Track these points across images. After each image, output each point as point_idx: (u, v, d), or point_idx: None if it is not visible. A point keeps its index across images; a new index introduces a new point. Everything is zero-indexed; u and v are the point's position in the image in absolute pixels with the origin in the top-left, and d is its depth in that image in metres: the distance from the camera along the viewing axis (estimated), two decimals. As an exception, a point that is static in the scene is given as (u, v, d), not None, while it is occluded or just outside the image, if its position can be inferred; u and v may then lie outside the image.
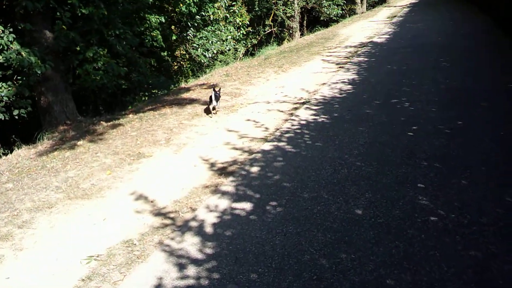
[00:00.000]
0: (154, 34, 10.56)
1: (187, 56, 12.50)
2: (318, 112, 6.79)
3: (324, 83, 8.78)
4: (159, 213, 4.00)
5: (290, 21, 20.92)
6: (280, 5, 20.47)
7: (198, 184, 4.54)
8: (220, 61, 18.61)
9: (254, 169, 4.78)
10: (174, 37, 11.34)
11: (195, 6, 11.34)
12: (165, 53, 10.99)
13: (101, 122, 7.33)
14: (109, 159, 5.48)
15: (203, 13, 12.48)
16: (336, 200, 3.89)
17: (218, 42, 13.01)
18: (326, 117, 6.49)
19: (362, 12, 28.64)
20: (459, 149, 4.76)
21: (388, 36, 14.82)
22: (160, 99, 8.76)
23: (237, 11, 14.24)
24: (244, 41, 21.07)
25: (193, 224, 3.72)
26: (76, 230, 3.82)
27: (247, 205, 3.95)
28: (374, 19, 21.98)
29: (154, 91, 10.35)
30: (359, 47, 13.12)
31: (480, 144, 4.85)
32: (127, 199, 4.36)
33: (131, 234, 3.67)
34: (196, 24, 12.08)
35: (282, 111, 7.12)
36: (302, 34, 22.43)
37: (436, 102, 6.60)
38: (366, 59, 10.96)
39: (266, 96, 8.23)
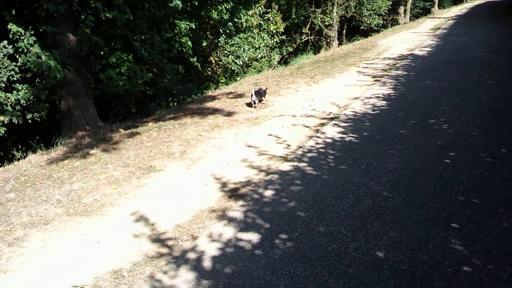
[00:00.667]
0: (184, 40, 10.33)
1: (220, 63, 12.23)
2: (347, 130, 6.27)
3: (356, 98, 8.24)
4: (157, 239, 3.63)
5: (328, 29, 20.37)
6: (318, 13, 19.96)
7: (205, 207, 4.15)
8: (254, 68, 18.31)
9: (268, 192, 4.34)
10: (205, 44, 11.09)
11: (227, 13, 11.04)
12: (195, 59, 10.75)
13: (120, 129, 7.10)
14: (118, 171, 5.19)
15: (236, 20, 12.18)
16: (355, 237, 3.40)
17: (251, 50, 12.67)
18: (354, 135, 5.97)
19: (405, 23, 27.67)
20: (501, 183, 4.15)
21: (430, 49, 14.03)
22: (183, 107, 8.47)
23: (271, 18, 13.89)
24: (279, 49, 20.69)
25: (191, 256, 3.32)
26: (67, 253, 3.50)
27: (254, 236, 3.52)
28: (416, 31, 21.10)
29: (182, 98, 10.10)
30: (398, 60, 12.45)
31: (529, 179, 4.22)
32: (128, 219, 4.02)
33: (122, 263, 3.31)
34: (228, 31, 11.79)
35: (308, 127, 6.65)
36: (340, 43, 21.81)
37: (478, 125, 5.95)
38: (404, 73, 10.31)
39: (293, 109, 7.78)
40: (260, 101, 8.13)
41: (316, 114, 7.36)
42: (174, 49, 9.90)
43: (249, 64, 16.58)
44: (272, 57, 20.05)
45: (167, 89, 9.37)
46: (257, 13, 13.02)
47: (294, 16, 19.59)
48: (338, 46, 20.98)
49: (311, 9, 19.98)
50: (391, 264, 3.03)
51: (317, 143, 5.78)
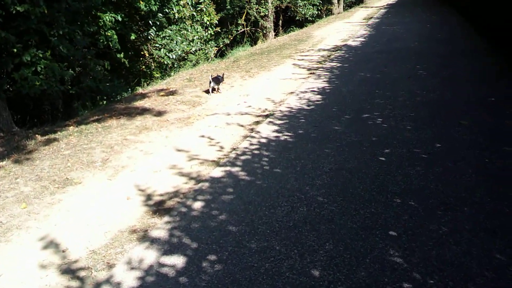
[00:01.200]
0: (109, 34, 9.65)
1: (153, 57, 11.57)
2: (282, 128, 6.04)
3: (292, 92, 8.04)
4: (67, 270, 3.16)
5: (263, 20, 20.14)
6: (254, 4, 19.65)
7: (125, 226, 3.72)
8: (190, 61, 17.76)
9: (197, 204, 3.98)
10: (133, 37, 10.41)
11: (156, 3, 10.43)
12: (121, 55, 10.06)
13: (37, 135, 6.41)
14: (29, 186, 4.60)
15: (166, 11, 11.58)
16: (289, 253, 3.14)
17: (184, 43, 12.11)
18: (289, 134, 5.75)
19: (339, 13, 28.10)
20: (437, 182, 4.07)
21: (363, 39, 14.21)
22: (110, 108, 7.86)
23: (204, 9, 13.35)
24: (215, 41, 20.21)
25: (106, 289, 2.91)
26: (-45, 295, 2.96)
27: (179, 260, 3.15)
28: (350, 20, 21.42)
29: (111, 96, 9.40)
30: (333, 51, 12.46)
31: (462, 176, 4.17)
32: (36, 246, 3.51)
33: (23, 303, 2.84)
34: (158, 23, 11.17)
35: (242, 126, 6.35)
36: (276, 34, 21.69)
37: (412, 119, 5.94)
38: (338, 65, 10.28)
39: (228, 106, 7.45)
40: (218, 89, 8.42)
41: (251, 111, 7.07)
42: (100, 43, 9.20)
43: (185, 58, 16.00)
44: (208, 50, 19.58)
45: (92, 87, 8.66)
46: (189, 3, 12.46)
47: (229, 6, 19.16)
48: (275, 37, 20.86)
49: (246, 0, 19.63)
50: (328, 284, 2.79)
51: (251, 144, 5.49)
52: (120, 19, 9.77)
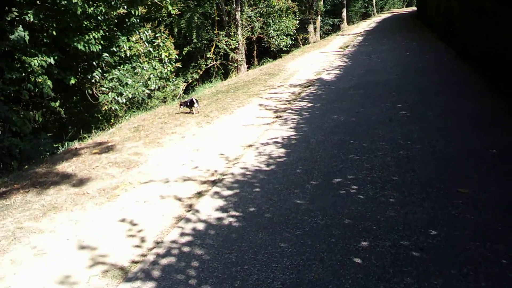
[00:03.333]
0: (40, 80, 8.24)
1: (98, 103, 10.14)
2: (228, 203, 4.63)
3: (251, 145, 6.68)
4: None
5: (234, 53, 19.01)
6: (222, 36, 18.54)
7: None
8: (157, 99, 16.52)
9: None
10: (72, 81, 9.01)
11: (99, 44, 9.09)
12: (56, 104, 8.64)
13: None
14: None
15: (114, 49, 10.26)
16: None
17: (138, 83, 10.72)
18: (237, 214, 4.34)
19: (314, 42, 27.31)
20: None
21: (338, 72, 13.06)
22: (26, 174, 6.34)
23: (161, 44, 12.07)
24: (183, 77, 19.03)
25: None
26: None
27: None
28: (326, 50, 20.44)
29: (38, 156, 7.81)
30: (305, 87, 11.24)
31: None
32: None
33: None
34: (103, 64, 9.84)
35: (180, 199, 4.92)
36: (249, 67, 20.56)
37: (396, 186, 4.59)
38: (309, 105, 9.01)
39: (170, 167, 6.04)
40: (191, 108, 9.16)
41: (197, 174, 5.66)
42: (24, 93, 7.77)
43: (151, 95, 14.73)
44: (175, 87, 18.49)
45: (11, 148, 7.13)
46: (144, 39, 11.18)
47: (195, 40, 18.00)
48: (248, 70, 19.75)
49: (214, 32, 18.50)
50: None
51: (183, 234, 4.05)
52: (53, 62, 8.38)
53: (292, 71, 14.56)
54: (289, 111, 8.68)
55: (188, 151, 6.75)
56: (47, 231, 4.40)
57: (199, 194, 5.00)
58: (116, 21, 10.17)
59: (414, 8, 43.08)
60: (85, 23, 8.95)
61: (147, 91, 10.71)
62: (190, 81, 18.70)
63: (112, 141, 7.72)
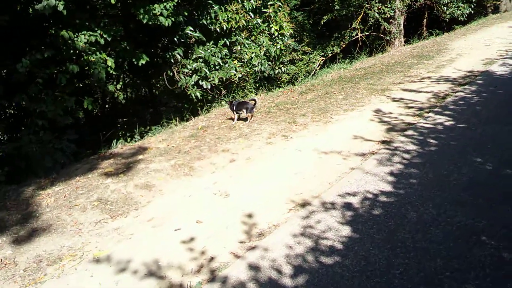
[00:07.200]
0: (93, 59, 6.71)
1: (177, 87, 8.30)
2: None
3: (304, 204, 3.93)
4: None
5: (388, 23, 15.20)
6: (375, 3, 14.87)
7: None
8: (288, 74, 14.38)
9: None
10: (143, 61, 7.28)
11: (169, 17, 7.07)
12: (112, 87, 7.04)
13: None
14: None
15: (204, 22, 8.19)
16: None
17: (230, 65, 8.44)
18: None
19: (505, 11, 20.98)
20: None
21: (523, 61, 8.74)
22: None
23: (272, 15, 9.43)
24: (322, 50, 16.25)
25: None
26: None
27: None
28: (518, 22, 15.07)
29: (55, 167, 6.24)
30: (459, 84, 7.56)
31: None
32: None
33: None
34: (184, 40, 7.87)
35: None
36: (408, 41, 16.42)
37: None
38: (447, 124, 5.59)
39: (158, 234, 3.78)
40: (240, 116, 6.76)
41: (186, 257, 3.29)
42: (60, 77, 6.31)
43: (286, 71, 12.67)
44: (314, 60, 16.06)
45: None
46: (247, 8, 8.79)
47: (338, 7, 14.84)
48: (404, 45, 15.83)
49: (365, -3, 14.93)
50: None
51: None
52: (109, 38, 6.74)
53: (454, 55, 10.51)
54: (410, 131, 5.46)
55: (212, 194, 4.37)
56: None
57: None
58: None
59: None
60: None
61: (239, 75, 8.44)
62: (330, 55, 15.75)
63: (146, 152, 5.78)
